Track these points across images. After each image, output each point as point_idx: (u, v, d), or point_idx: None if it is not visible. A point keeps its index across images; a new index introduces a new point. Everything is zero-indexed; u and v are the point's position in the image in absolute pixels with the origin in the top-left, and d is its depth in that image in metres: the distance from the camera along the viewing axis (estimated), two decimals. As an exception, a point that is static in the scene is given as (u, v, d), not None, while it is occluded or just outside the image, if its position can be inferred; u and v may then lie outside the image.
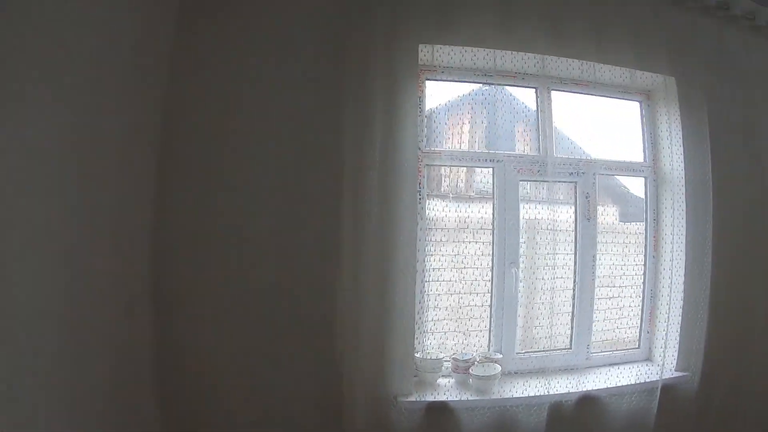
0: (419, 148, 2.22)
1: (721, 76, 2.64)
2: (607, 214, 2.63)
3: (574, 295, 2.50)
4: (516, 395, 2.20)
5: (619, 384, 2.36)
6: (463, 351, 2.36)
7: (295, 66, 2.14)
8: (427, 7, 2.17)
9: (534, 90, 2.46)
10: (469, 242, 2.38)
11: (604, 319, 2.56)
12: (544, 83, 2.43)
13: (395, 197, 2.07)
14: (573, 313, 2.50)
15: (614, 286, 2.62)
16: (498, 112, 2.32)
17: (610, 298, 2.60)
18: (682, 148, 2.49)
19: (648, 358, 2.64)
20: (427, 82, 2.36)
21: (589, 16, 2.35)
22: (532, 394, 2.19)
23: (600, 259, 2.53)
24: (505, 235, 2.40)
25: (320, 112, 2.14)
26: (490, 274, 2.42)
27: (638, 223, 2.68)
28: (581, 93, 2.50)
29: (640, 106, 2.66)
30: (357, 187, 2.03)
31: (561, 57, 2.33)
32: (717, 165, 2.49)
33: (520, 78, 2.41)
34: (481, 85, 2.40)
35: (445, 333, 2.37)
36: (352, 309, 2.02)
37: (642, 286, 2.65)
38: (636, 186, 2.71)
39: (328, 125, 2.11)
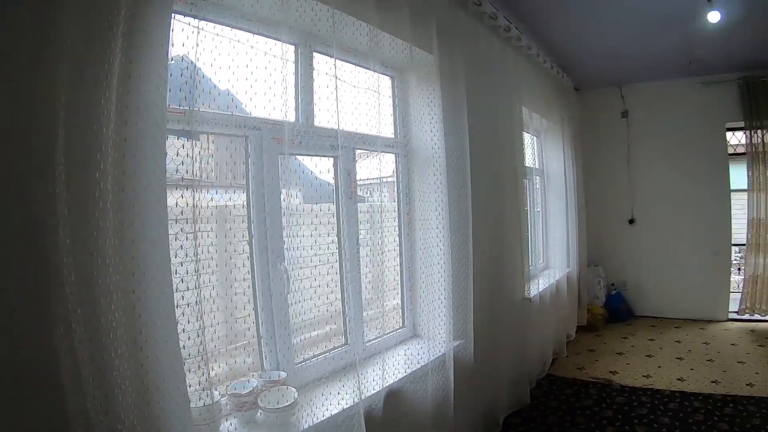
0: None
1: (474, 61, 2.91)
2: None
3: (342, 285, 2.22)
4: (324, 415, 1.79)
5: (419, 365, 2.29)
6: (239, 380, 1.81)
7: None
8: None
9: (294, 47, 2.06)
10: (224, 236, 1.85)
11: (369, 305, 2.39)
12: (306, 41, 2.07)
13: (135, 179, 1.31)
14: (343, 304, 2.23)
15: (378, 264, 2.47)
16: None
17: (370, 281, 2.44)
18: (441, 126, 2.54)
19: (415, 335, 2.62)
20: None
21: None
22: (345, 406, 1.83)
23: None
24: (267, 224, 1.93)
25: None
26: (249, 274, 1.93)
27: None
28: (342, 59, 2.21)
29: (392, 81, 2.59)
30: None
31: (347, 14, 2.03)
32: (471, 142, 2.66)
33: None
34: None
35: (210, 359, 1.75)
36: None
37: (399, 265, 2.62)
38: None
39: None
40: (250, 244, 1.90)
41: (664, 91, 6.30)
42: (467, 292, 2.66)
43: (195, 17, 1.54)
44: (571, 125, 5.48)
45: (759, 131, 5.80)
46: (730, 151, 6.32)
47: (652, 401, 3.83)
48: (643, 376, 4.39)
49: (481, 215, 2.91)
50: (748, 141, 5.87)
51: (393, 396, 2.14)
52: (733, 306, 6.22)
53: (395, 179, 2.64)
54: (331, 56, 1.96)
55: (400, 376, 2.20)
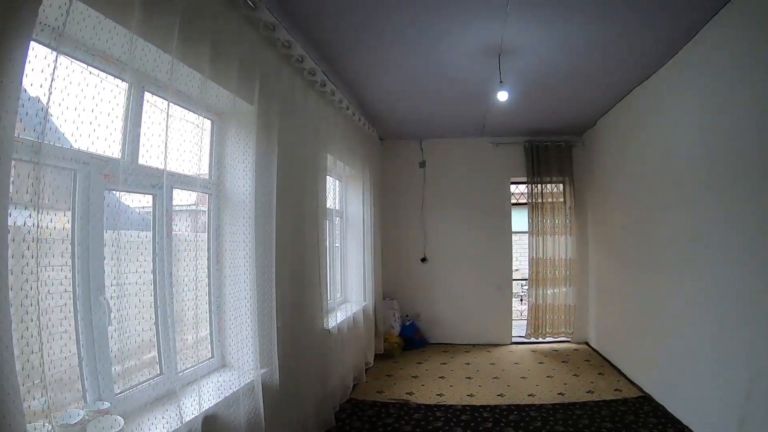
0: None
1: (290, 111, 3.26)
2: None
3: (157, 317, 2.35)
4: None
5: (231, 391, 2.44)
6: (66, 410, 1.83)
7: None
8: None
9: (127, 85, 2.18)
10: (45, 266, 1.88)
11: (183, 338, 2.52)
12: (139, 80, 2.21)
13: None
14: (158, 335, 2.35)
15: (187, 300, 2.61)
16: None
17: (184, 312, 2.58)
18: (254, 170, 2.77)
19: (225, 364, 2.77)
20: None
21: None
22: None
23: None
24: (89, 256, 2.01)
25: None
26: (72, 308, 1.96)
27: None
28: (174, 103, 2.39)
29: (212, 125, 2.79)
30: None
31: (185, 64, 2.21)
32: (279, 184, 2.97)
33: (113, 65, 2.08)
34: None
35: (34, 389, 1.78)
36: None
37: (208, 297, 2.77)
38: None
39: None
40: (72, 275, 1.95)
41: (459, 147, 7.42)
42: (271, 323, 2.89)
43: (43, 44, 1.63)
44: (372, 172, 6.09)
45: (538, 185, 7.18)
46: (514, 200, 7.65)
47: (446, 415, 4.41)
48: (437, 394, 4.99)
49: (284, 252, 3.18)
50: (529, 193, 7.22)
51: (210, 420, 2.28)
52: (517, 331, 7.46)
53: (207, 218, 2.82)
54: (165, 99, 2.14)
55: (214, 402, 2.35)
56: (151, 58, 2.09)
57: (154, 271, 2.35)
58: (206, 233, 2.81)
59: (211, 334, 2.79)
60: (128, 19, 1.83)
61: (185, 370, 2.48)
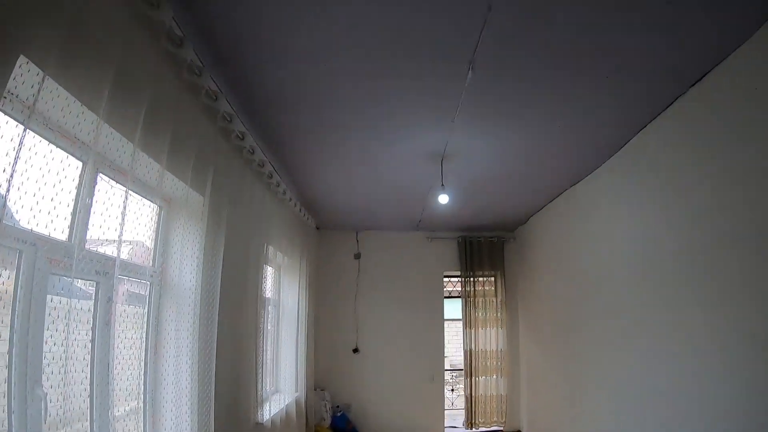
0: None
1: (238, 203, 3.28)
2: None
3: (91, 414, 2.15)
4: None
5: None
6: None
7: None
8: None
9: (81, 164, 2.10)
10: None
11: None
12: (96, 164, 2.14)
13: None
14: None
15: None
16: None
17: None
18: (201, 261, 2.70)
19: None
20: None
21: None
22: None
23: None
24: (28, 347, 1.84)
25: None
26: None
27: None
28: (133, 191, 2.33)
29: (160, 212, 2.71)
30: None
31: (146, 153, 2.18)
32: (223, 274, 2.90)
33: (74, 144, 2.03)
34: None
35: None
36: None
37: (143, 392, 2.56)
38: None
39: None
40: (8, 366, 1.77)
41: (394, 240, 7.58)
42: (209, 418, 2.72)
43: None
44: (308, 262, 6.08)
45: (471, 279, 7.38)
46: (447, 293, 7.79)
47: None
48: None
49: (224, 342, 3.07)
50: (462, 287, 7.40)
51: None
52: (449, 421, 7.42)
53: (147, 309, 2.66)
54: (123, 186, 2.10)
55: None
56: (114, 146, 2.07)
57: (91, 365, 2.18)
58: (146, 325, 2.64)
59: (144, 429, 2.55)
60: (97, 104, 1.83)
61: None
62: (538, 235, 6.60)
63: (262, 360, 3.96)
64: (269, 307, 5.05)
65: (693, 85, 3.07)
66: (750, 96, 2.65)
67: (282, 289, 5.44)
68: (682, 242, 3.31)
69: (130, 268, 2.44)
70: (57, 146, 1.93)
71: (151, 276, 2.65)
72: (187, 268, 2.69)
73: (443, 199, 4.65)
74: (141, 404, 2.55)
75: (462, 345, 7.37)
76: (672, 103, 3.31)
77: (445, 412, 7.50)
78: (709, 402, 2.98)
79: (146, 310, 2.65)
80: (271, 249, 4.51)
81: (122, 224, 2.09)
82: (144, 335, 2.63)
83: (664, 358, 3.53)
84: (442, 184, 4.52)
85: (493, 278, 7.54)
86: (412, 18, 2.47)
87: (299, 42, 2.66)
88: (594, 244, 4.79)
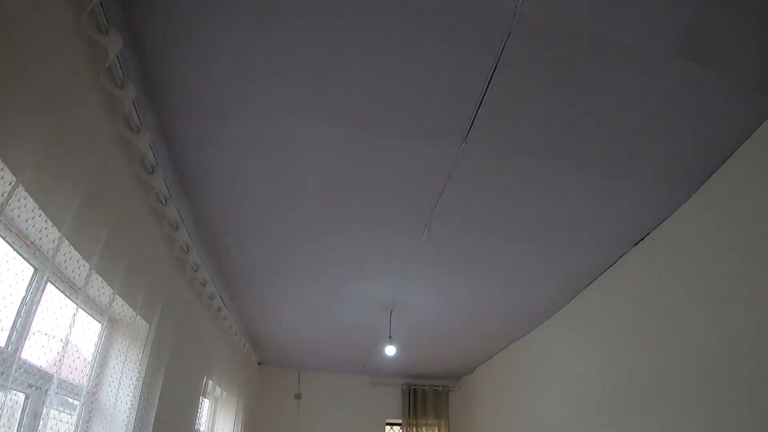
0: None
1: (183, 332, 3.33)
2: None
3: None
4: None
5: None
6: None
7: None
8: None
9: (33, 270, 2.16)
10: None
11: None
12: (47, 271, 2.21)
13: None
14: None
15: None
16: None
17: None
18: (140, 387, 2.68)
19: None
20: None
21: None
22: None
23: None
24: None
25: None
26: None
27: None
28: (82, 308, 2.38)
29: (101, 329, 2.72)
30: None
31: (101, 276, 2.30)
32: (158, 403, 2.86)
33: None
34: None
35: None
36: None
37: None
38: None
39: None
40: None
41: (337, 382, 7.46)
42: None
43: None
44: (247, 399, 5.92)
45: (414, 428, 7.21)
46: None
47: None
48: None
49: None
50: (404, 436, 7.14)
51: None
52: None
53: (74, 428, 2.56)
54: (75, 302, 2.17)
55: None
56: (71, 262, 2.16)
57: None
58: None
59: None
60: (62, 220, 1.93)
61: None
62: (485, 385, 6.64)
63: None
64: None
65: (636, 244, 3.43)
66: (688, 254, 3.00)
67: (217, 424, 5.19)
68: (637, 384, 3.41)
69: (63, 386, 2.40)
70: (15, 250, 2.01)
71: (84, 396, 2.59)
72: (123, 392, 2.65)
73: (390, 351, 4.74)
74: None
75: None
76: (617, 261, 3.65)
77: None
78: None
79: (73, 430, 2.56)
80: (210, 382, 4.41)
81: (66, 342, 2.11)
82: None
83: None
84: (390, 336, 4.64)
85: (437, 428, 7.37)
86: (375, 173, 2.76)
87: (263, 190, 2.92)
88: (542, 396, 4.86)
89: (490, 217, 3.09)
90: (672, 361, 3.03)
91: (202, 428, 4.28)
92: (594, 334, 4.06)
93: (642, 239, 3.39)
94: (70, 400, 2.56)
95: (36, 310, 2.18)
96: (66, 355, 2.34)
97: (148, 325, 2.82)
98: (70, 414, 2.58)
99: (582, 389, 4.12)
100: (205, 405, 4.77)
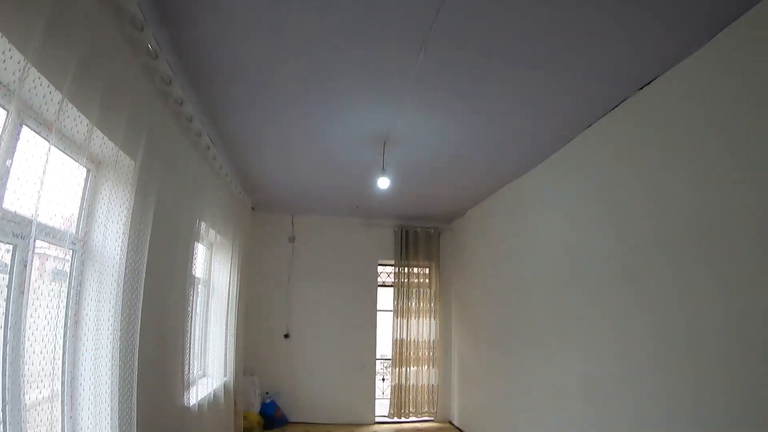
0: None
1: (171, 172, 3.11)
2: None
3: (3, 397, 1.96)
4: None
5: None
6: None
7: None
8: None
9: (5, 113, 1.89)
10: None
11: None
12: (20, 113, 1.92)
13: None
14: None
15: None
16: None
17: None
18: (128, 229, 2.51)
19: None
20: None
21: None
22: None
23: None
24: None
25: None
26: None
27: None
28: (56, 147, 2.11)
29: (88, 175, 2.49)
30: None
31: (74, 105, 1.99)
32: (150, 248, 2.72)
33: None
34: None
35: None
36: None
37: (62, 372, 2.36)
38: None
39: None
40: None
41: (330, 225, 7.48)
42: (131, 402, 2.54)
43: None
44: (242, 243, 5.89)
45: (406, 269, 7.40)
46: (381, 283, 7.75)
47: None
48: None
49: (149, 321, 2.88)
50: (396, 277, 7.41)
51: None
52: (380, 410, 7.41)
53: (68, 278, 2.45)
54: (48, 141, 1.90)
55: None
56: (40, 93, 1.86)
57: (3, 334, 1.98)
58: (66, 296, 2.43)
59: (62, 409, 2.35)
60: (27, 43, 1.64)
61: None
62: (476, 228, 6.70)
63: (190, 341, 3.77)
64: (199, 287, 4.84)
65: (641, 88, 3.20)
66: (686, 106, 2.85)
67: (213, 269, 5.23)
68: (621, 242, 3.43)
69: (48, 232, 2.23)
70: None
71: (74, 243, 2.45)
72: (111, 236, 2.49)
73: (383, 183, 4.59)
74: (59, 388, 2.35)
75: (392, 334, 7.40)
76: (618, 104, 3.44)
77: (377, 401, 7.53)
78: (646, 400, 3.11)
79: (67, 280, 2.45)
80: (203, 225, 4.30)
81: (42, 181, 1.90)
82: (63, 308, 2.43)
83: (599, 357, 3.65)
84: (383, 168, 4.48)
85: (427, 269, 7.62)
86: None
87: (248, 15, 2.57)
88: (532, 241, 4.90)
89: (490, 42, 2.77)
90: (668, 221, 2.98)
91: (197, 274, 4.26)
92: (588, 180, 3.97)
93: (649, 83, 3.14)
94: (60, 260, 2.43)
95: (13, 156, 1.95)
96: (49, 201, 2.16)
97: (133, 163, 2.58)
98: (63, 263, 2.47)
99: (573, 236, 4.12)
100: (201, 250, 4.76)
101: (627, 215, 3.37)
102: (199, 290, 4.73)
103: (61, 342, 2.37)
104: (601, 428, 3.51)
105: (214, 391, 4.69)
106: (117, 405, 2.40)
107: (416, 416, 7.31)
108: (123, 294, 2.48)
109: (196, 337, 4.78)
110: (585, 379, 3.79)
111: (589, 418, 3.67)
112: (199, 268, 4.52)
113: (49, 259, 2.39)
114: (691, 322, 2.72)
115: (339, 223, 7.52)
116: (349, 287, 7.45)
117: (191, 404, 3.78)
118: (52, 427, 2.16)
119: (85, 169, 2.49)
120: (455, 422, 7.23)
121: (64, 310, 2.41)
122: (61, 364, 2.37)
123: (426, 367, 7.38)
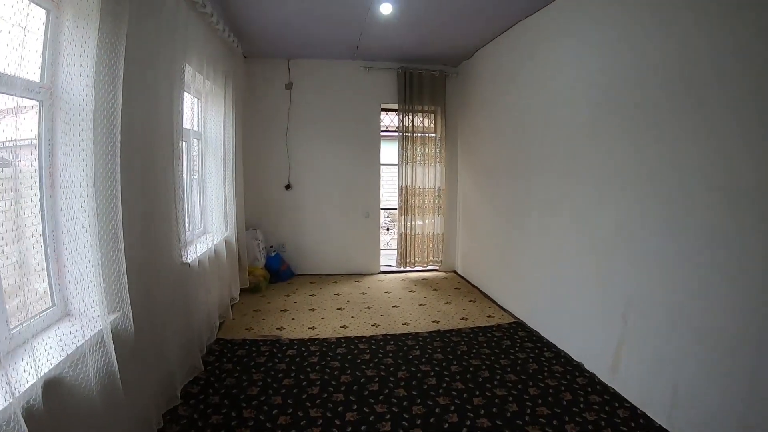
0: None
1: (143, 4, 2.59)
2: None
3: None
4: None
5: (75, 347, 2.01)
6: None
7: None
8: None
9: None
10: None
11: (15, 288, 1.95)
12: None
13: None
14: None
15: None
16: None
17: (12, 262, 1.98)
18: (93, 71, 2.17)
19: (67, 313, 2.26)
20: None
21: None
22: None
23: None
24: None
25: None
26: None
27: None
28: None
29: (48, 15, 2.10)
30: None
31: None
32: (127, 95, 2.43)
33: None
34: None
35: None
36: None
37: (42, 236, 2.19)
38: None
39: None
40: None
41: (329, 69, 6.96)
42: (119, 260, 2.39)
43: None
44: (235, 91, 5.51)
45: (410, 114, 7.02)
46: (384, 128, 7.42)
47: (320, 349, 4.24)
48: (309, 328, 4.83)
49: (133, 177, 2.67)
50: (400, 122, 7.03)
51: (52, 386, 1.83)
52: (384, 261, 7.52)
53: (38, 132, 2.16)
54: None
55: (55, 362, 1.88)
56: None
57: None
58: (37, 152, 2.17)
59: (49, 276, 2.22)
60: None
61: (18, 326, 1.93)
62: (484, 71, 6.25)
63: (183, 195, 3.56)
64: (193, 140, 4.55)
65: None
66: None
67: (206, 120, 4.90)
68: (632, 84, 3.24)
69: (11, 82, 1.89)
70: None
71: (38, 92, 2.12)
72: (76, 80, 2.17)
73: (386, 8, 4.11)
74: (41, 247, 2.19)
75: (398, 182, 7.23)
76: None
77: (381, 252, 7.61)
78: (649, 250, 3.02)
79: (38, 131, 2.17)
80: (189, 70, 3.90)
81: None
82: (37, 161, 2.18)
83: (603, 203, 3.57)
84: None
85: (432, 114, 7.26)
86: None
87: None
88: (545, 82, 4.53)
89: None
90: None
91: (187, 125, 3.94)
92: (594, 27, 3.65)
93: None
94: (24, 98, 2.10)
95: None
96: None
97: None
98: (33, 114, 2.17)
99: (586, 80, 3.82)
100: (191, 101, 4.41)
101: (648, 52, 3.05)
102: (192, 143, 4.46)
103: (36, 206, 2.17)
104: (611, 281, 3.49)
105: (215, 246, 4.62)
106: (100, 267, 2.25)
107: (421, 265, 7.43)
108: (95, 146, 2.22)
109: (194, 192, 4.62)
110: (591, 231, 3.72)
111: (598, 270, 3.64)
112: (189, 119, 4.21)
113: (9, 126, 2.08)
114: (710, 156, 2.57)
115: (338, 66, 7.00)
116: (352, 134, 7.15)
117: (190, 260, 3.69)
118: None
119: (44, 11, 2.11)
120: (460, 272, 7.37)
121: (37, 165, 2.18)
122: (42, 227, 2.19)
123: (431, 215, 7.33)
